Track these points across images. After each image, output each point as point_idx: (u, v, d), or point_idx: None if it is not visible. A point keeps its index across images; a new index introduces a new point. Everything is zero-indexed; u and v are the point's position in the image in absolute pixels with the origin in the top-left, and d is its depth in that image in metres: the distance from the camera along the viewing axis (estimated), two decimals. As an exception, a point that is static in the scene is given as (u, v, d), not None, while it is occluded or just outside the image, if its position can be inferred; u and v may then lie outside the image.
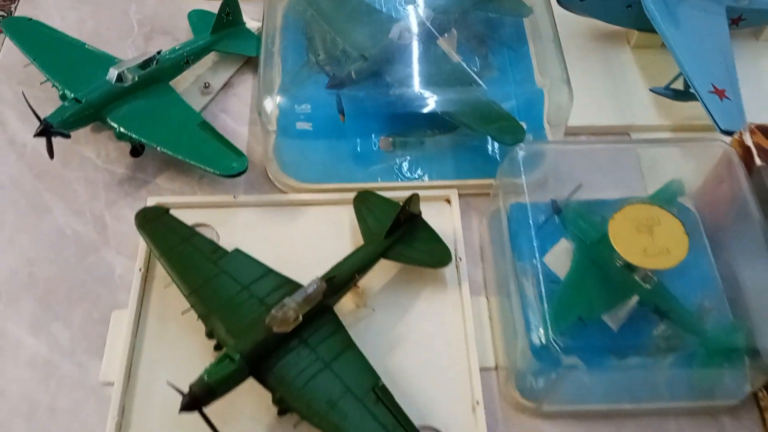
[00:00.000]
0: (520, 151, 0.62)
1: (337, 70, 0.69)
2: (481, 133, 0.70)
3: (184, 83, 0.79)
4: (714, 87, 0.68)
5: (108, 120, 0.70)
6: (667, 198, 0.63)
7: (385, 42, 0.71)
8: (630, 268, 0.57)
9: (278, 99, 0.67)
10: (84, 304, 0.65)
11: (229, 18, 0.80)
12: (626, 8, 0.77)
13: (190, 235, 0.63)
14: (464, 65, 0.69)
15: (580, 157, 0.66)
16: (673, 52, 0.71)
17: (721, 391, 0.59)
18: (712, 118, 0.67)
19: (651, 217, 0.56)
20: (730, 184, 0.61)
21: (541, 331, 0.53)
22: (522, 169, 0.62)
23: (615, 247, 0.55)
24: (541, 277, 0.56)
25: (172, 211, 0.66)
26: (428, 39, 0.72)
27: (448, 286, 0.66)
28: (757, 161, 0.59)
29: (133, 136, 0.69)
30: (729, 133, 0.65)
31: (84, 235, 0.69)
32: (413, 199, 0.63)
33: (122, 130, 0.69)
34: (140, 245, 0.66)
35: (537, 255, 0.59)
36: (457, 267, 0.66)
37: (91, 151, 0.75)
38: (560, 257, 0.62)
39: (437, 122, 0.71)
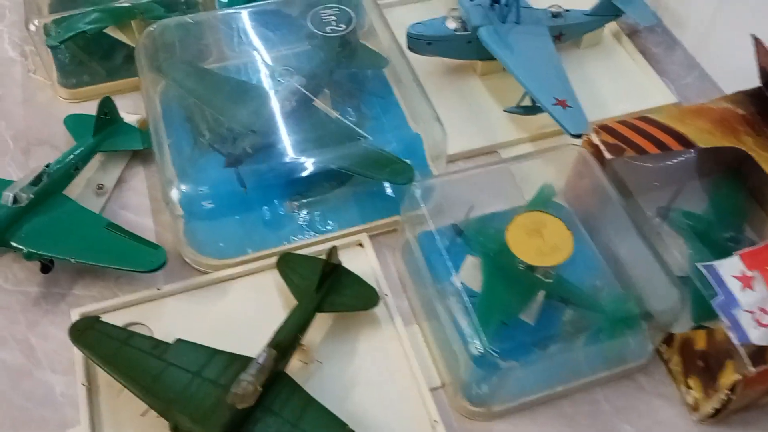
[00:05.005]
0: (416, 189, 0.69)
1: (230, 148, 0.73)
2: (377, 179, 0.76)
3: (76, 189, 0.79)
4: (556, 99, 0.79)
5: (12, 243, 0.69)
6: (542, 201, 0.72)
7: (268, 114, 0.76)
8: (530, 268, 0.65)
9: (181, 186, 0.70)
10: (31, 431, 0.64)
11: (107, 117, 0.81)
12: (467, 44, 0.86)
13: (127, 336, 0.64)
14: (346, 121, 0.76)
15: (464, 183, 0.74)
16: (515, 75, 0.81)
17: (630, 355, 0.68)
18: (562, 126, 0.77)
19: (537, 221, 0.65)
20: (590, 179, 0.71)
21: (477, 342, 0.59)
22: (421, 203, 0.69)
23: (515, 253, 0.63)
24: (462, 293, 0.63)
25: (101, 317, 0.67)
26: (306, 103, 0.78)
27: (381, 323, 0.71)
28: (607, 155, 0.69)
29: (43, 253, 0.69)
30: (578, 136, 0.76)
31: (12, 362, 0.68)
32: (333, 252, 0.68)
33: (30, 250, 0.69)
34: (76, 359, 0.66)
35: (453, 274, 0.65)
36: (385, 303, 0.72)
37: (-3, 278, 0.74)
38: (470, 272, 0.69)
39: (334, 176, 0.77)
